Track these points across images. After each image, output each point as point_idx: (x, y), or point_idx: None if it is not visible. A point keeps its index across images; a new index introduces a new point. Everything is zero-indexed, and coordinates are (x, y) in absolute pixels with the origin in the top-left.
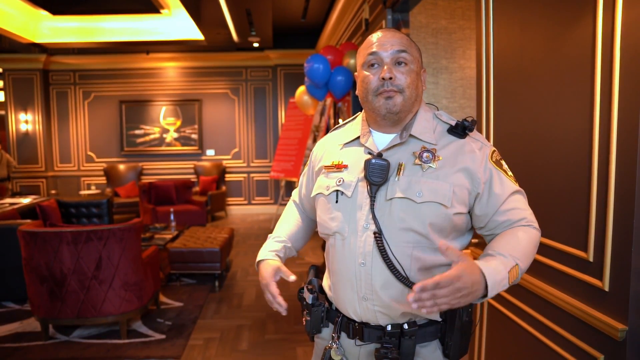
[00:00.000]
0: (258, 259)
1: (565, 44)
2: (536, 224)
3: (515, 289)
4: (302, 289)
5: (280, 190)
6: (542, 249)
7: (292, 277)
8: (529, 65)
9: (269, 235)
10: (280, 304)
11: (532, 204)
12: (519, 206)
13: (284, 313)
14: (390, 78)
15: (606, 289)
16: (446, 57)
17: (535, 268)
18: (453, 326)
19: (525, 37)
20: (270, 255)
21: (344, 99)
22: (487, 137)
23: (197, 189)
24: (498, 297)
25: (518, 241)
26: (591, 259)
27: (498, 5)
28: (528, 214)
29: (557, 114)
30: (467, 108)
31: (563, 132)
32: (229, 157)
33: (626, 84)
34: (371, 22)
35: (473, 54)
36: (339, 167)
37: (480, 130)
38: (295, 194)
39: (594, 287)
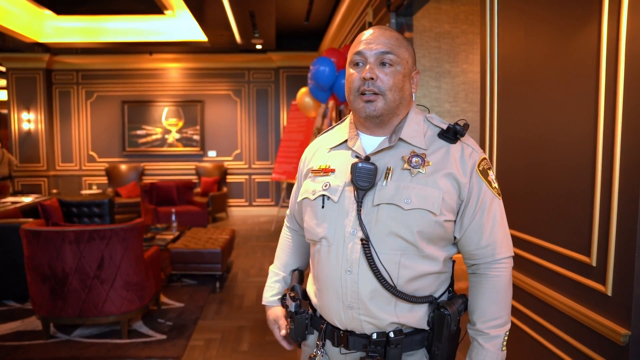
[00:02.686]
0: (263, 302)
1: (570, 49)
2: (506, 252)
3: (518, 292)
4: (285, 295)
5: (281, 192)
6: (545, 253)
7: (283, 332)
8: (533, 70)
9: (270, 267)
10: (284, 346)
11: (535, 208)
12: (489, 230)
13: (288, 348)
14: (372, 78)
15: (609, 293)
16: (449, 61)
17: (538, 272)
18: (441, 335)
19: (530, 42)
20: (272, 301)
21: None
22: (491, 141)
23: (198, 190)
24: None
25: (503, 306)
26: (594, 264)
27: (503, 10)
28: (500, 240)
29: (562, 119)
30: (469, 112)
31: (567, 136)
32: (230, 158)
33: (631, 89)
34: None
35: (476, 58)
36: (326, 171)
37: (483, 135)
38: (288, 212)
39: (597, 291)
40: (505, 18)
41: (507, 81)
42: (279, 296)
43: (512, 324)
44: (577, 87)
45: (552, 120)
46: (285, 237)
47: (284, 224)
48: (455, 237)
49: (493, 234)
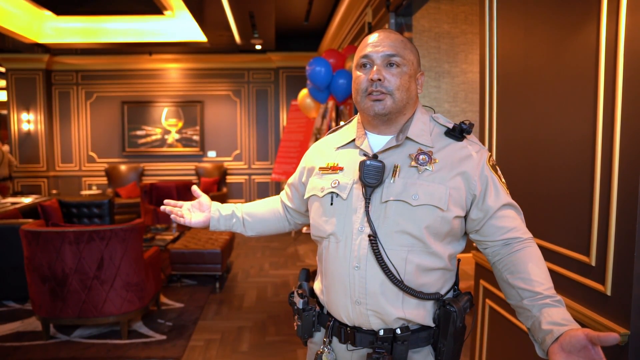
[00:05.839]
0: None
1: (569, 49)
2: (530, 234)
3: None
4: (293, 293)
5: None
6: (544, 252)
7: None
8: (532, 70)
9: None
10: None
11: (534, 208)
12: (513, 215)
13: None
14: (379, 79)
15: (608, 293)
16: (448, 61)
17: None
18: (446, 332)
19: (529, 42)
20: (215, 210)
21: (346, 102)
22: (490, 141)
23: None
24: (499, 300)
25: (546, 272)
26: (593, 264)
27: (502, 10)
28: (523, 225)
29: (561, 119)
30: (468, 112)
31: (566, 136)
32: (230, 158)
33: (630, 89)
34: (374, 26)
35: (475, 58)
36: (335, 169)
37: (483, 135)
38: (283, 194)
39: (596, 291)
40: (505, 18)
41: (506, 81)
42: (222, 212)
43: (511, 323)
44: (577, 86)
45: (552, 120)
46: (272, 201)
47: (280, 196)
48: (475, 230)
49: (516, 220)
